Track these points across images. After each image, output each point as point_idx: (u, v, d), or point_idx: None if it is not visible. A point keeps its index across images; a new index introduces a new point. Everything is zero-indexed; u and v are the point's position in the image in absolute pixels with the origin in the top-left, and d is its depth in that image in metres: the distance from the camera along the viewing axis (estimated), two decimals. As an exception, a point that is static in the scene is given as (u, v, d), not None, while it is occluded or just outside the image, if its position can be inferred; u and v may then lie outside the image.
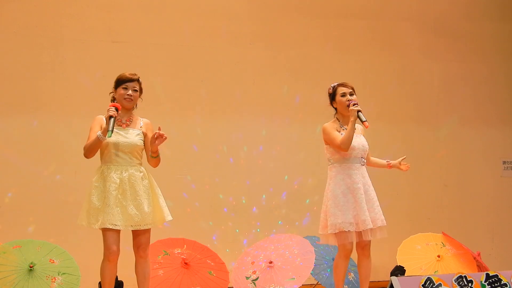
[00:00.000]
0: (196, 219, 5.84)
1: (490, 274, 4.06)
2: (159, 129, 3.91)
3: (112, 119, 3.82)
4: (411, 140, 6.53)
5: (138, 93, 4.08)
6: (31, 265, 4.37)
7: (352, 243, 4.22)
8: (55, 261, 4.50)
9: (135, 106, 4.15)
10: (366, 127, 4.16)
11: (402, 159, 4.62)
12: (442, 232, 5.49)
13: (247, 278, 4.92)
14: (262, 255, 5.08)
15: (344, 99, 4.30)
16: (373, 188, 4.35)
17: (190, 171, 5.87)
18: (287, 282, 4.76)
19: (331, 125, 4.33)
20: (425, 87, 6.66)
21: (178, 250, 4.96)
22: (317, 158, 5.84)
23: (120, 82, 4.05)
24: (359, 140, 4.33)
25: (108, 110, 3.85)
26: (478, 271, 4.96)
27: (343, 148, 4.18)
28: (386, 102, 6.45)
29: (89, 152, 3.91)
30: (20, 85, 5.56)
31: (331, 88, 4.41)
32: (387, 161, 4.65)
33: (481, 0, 6.93)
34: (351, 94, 4.32)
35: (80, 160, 5.56)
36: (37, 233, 5.34)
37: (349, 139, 4.16)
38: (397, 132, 6.44)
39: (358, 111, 4.18)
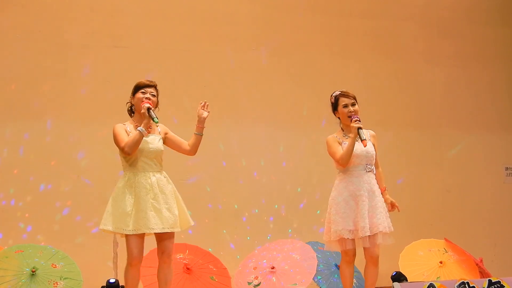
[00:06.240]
0: (199, 224, 5.83)
1: (493, 280, 4.05)
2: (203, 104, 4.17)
3: (151, 111, 3.91)
4: (413, 146, 6.52)
5: (156, 98, 4.09)
6: (33, 269, 4.37)
7: (353, 249, 4.24)
8: (57, 265, 4.50)
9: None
10: (365, 146, 4.17)
11: (395, 206, 4.43)
12: (445, 238, 5.48)
13: (249, 283, 4.91)
14: (264, 260, 5.07)
15: (345, 110, 4.29)
16: (379, 195, 4.31)
17: (192, 176, 5.87)
18: (289, 287, 4.76)
19: (333, 138, 4.34)
20: (427, 92, 6.66)
21: (180, 255, 4.94)
22: (319, 163, 5.84)
23: (138, 88, 4.07)
24: (363, 147, 4.28)
25: (143, 106, 3.93)
26: (481, 277, 4.95)
27: (341, 164, 4.24)
28: (387, 108, 6.45)
29: (133, 147, 3.89)
30: (23, 90, 5.57)
31: (333, 97, 4.38)
32: (384, 186, 4.45)
33: (483, 5, 6.95)
34: (353, 105, 4.30)
35: (81, 166, 5.63)
36: (39, 238, 5.34)
37: (348, 155, 4.19)
38: (398, 138, 6.43)
39: (359, 128, 4.17)
